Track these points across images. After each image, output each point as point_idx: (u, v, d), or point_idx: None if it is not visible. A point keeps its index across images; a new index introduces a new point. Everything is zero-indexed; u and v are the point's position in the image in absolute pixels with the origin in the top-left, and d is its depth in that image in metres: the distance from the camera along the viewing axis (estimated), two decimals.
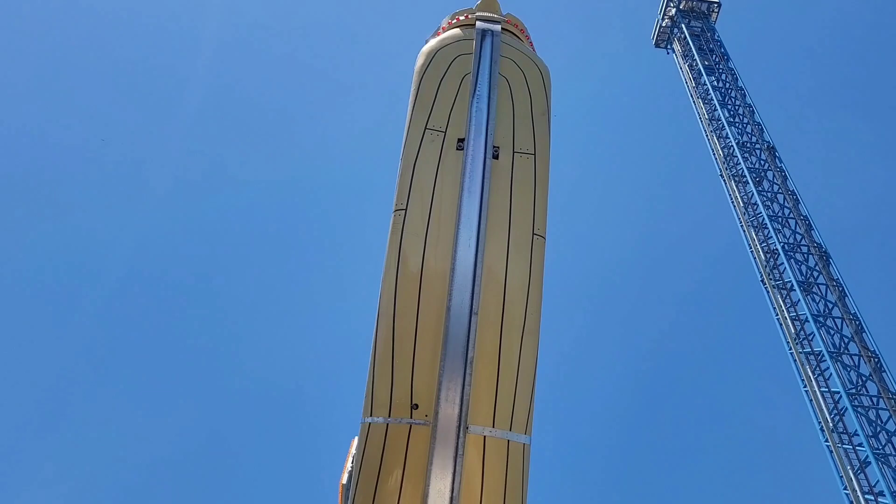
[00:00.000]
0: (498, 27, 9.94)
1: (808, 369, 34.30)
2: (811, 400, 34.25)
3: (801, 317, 34.27)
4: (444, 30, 10.28)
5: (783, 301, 35.10)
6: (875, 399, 33.63)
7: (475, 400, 8.15)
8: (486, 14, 10.12)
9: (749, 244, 38.12)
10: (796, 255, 35.88)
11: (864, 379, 33.63)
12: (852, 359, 33.99)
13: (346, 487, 11.20)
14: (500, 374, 8.73)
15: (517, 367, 8.77)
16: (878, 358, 33.90)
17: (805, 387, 34.39)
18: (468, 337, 8.62)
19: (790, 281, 34.92)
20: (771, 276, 36.23)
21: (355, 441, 8.76)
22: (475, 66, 9.65)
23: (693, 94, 46.97)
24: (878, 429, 33.49)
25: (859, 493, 34.67)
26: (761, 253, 37.13)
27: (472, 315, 8.66)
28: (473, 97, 9.48)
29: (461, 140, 9.46)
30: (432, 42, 10.20)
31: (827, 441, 34.26)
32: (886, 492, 33.29)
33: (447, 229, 9.20)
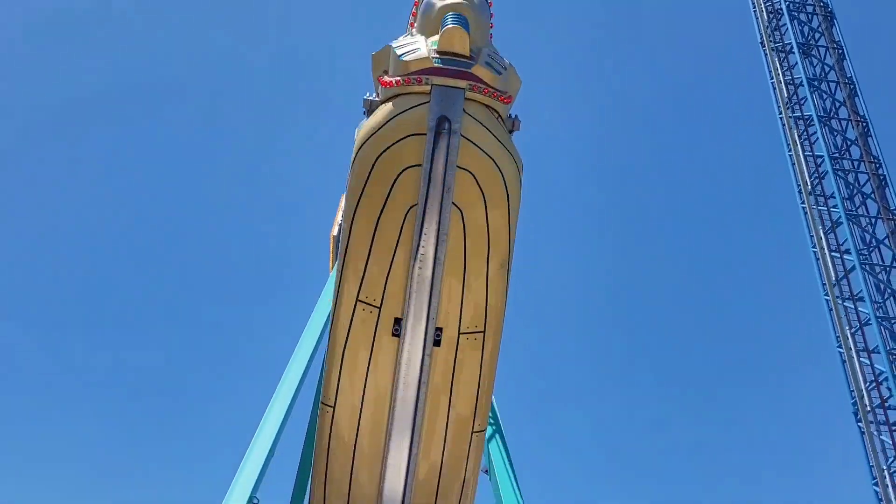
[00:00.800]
0: (459, 112, 7.20)
1: (796, 133, 34.57)
2: (793, 164, 34.93)
3: (797, 80, 33.92)
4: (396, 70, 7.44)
5: (780, 64, 34.52)
6: (856, 163, 34.34)
7: None
8: (444, 82, 7.22)
9: (753, 2, 36.69)
10: (800, 14, 34.67)
11: (848, 143, 34.07)
12: (840, 123, 34.20)
13: (336, 238, 11.75)
14: None
15: None
16: (867, 122, 34.07)
17: (790, 151, 34.90)
18: None
19: (790, 42, 34.08)
20: (771, 38, 35.26)
21: (343, 198, 8.93)
22: (422, 201, 7.27)
23: None
24: (855, 191, 34.51)
25: (827, 252, 36.64)
26: (764, 12, 35.81)
27: None
28: (415, 261, 7.40)
29: (398, 321, 7.80)
30: (372, 125, 7.40)
31: (803, 203, 35.45)
32: (853, 250, 35.11)
33: (376, 442, 8.21)
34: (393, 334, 7.81)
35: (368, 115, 7.54)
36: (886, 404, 35.99)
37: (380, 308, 7.81)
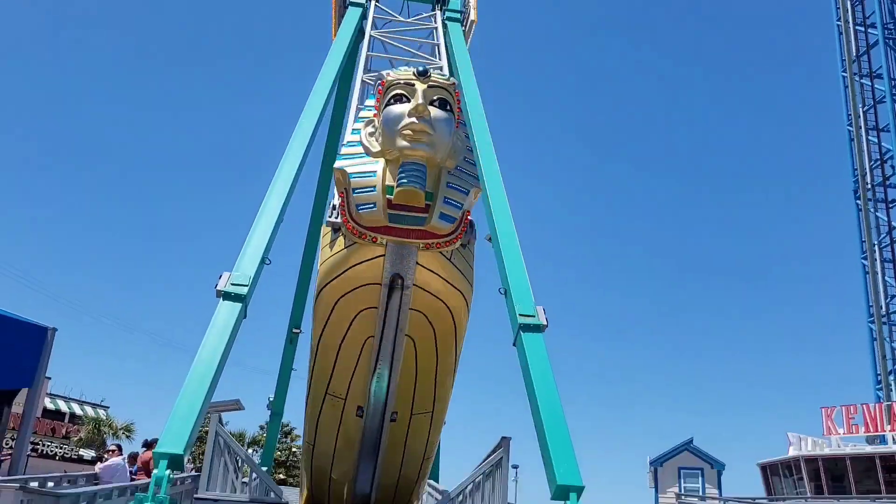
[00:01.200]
0: (412, 269, 8.05)
1: None
2: None
3: None
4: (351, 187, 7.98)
5: None
6: None
7: None
8: (398, 242, 7.97)
9: None
10: None
11: None
12: None
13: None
14: None
15: None
16: None
17: None
18: None
19: None
20: None
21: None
22: (378, 335, 8.62)
23: None
24: None
25: (851, 25, 35.17)
26: None
27: None
28: (374, 376, 8.91)
29: (360, 407, 9.55)
30: (331, 269, 8.35)
31: None
32: (879, 24, 33.76)
33: (348, 461, 10.31)
34: (357, 415, 9.58)
35: (333, 233, 8.27)
36: (888, 182, 37.19)
37: (344, 399, 9.57)
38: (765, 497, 24.27)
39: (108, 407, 48.95)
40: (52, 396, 47.01)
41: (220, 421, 9.53)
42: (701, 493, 23.46)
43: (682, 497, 22.02)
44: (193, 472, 10.45)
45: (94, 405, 48.69)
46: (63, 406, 47.95)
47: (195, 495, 9.36)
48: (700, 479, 24.36)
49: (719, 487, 24.14)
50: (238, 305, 8.52)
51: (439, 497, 10.97)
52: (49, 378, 44.06)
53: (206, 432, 9.76)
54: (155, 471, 6.96)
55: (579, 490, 7.65)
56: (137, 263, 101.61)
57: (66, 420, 46.48)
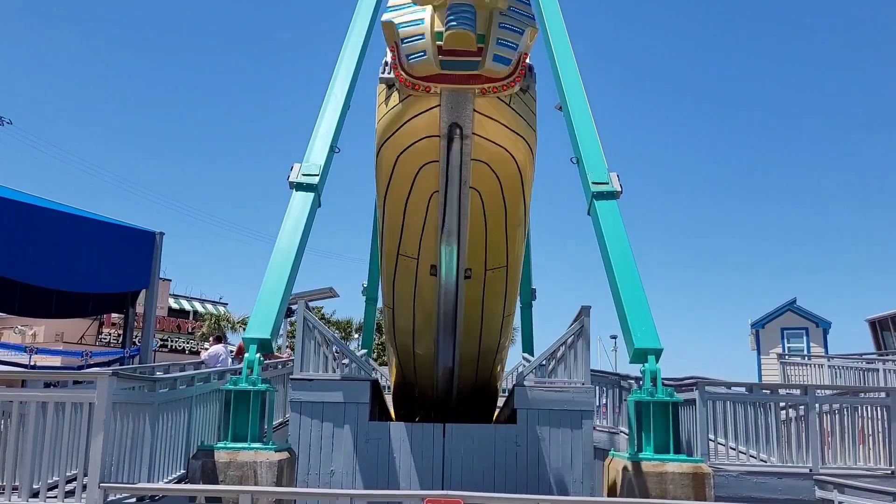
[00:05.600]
0: (469, 117, 7.45)
1: None
2: None
3: None
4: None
5: None
6: None
7: None
8: (452, 89, 7.39)
9: None
10: None
11: None
12: None
13: None
14: None
15: None
16: None
17: None
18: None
19: None
20: None
21: None
22: (442, 190, 8.05)
23: None
24: None
25: None
26: None
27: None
28: (443, 232, 8.18)
29: (434, 266, 9.15)
30: (388, 125, 7.93)
31: None
32: None
33: (429, 334, 10.15)
34: (431, 274, 9.32)
35: (388, 89, 7.89)
36: None
37: (417, 259, 9.44)
38: (874, 352, 23.56)
39: (226, 303, 52.24)
40: (176, 297, 50.54)
41: (308, 307, 9.96)
42: (806, 352, 23.01)
43: (786, 356, 21.68)
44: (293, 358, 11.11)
45: (213, 302, 52.04)
46: (186, 305, 51.52)
47: (291, 376, 9.98)
48: (805, 338, 23.83)
49: (825, 346, 23.57)
50: (311, 195, 8.74)
51: (525, 364, 11.24)
52: (170, 280, 47.40)
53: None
54: (246, 355, 7.44)
55: (658, 352, 7.68)
56: (234, 167, 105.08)
57: (190, 317, 50.03)
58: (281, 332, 25.31)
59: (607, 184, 8.94)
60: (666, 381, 7.83)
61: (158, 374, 9.77)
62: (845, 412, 9.40)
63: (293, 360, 10.61)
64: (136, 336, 19.12)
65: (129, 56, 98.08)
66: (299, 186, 8.78)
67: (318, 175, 8.84)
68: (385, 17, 7.58)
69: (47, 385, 7.05)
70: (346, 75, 9.84)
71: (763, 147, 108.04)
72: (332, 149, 9.22)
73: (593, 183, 8.97)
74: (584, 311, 9.85)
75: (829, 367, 19.26)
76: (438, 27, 7.31)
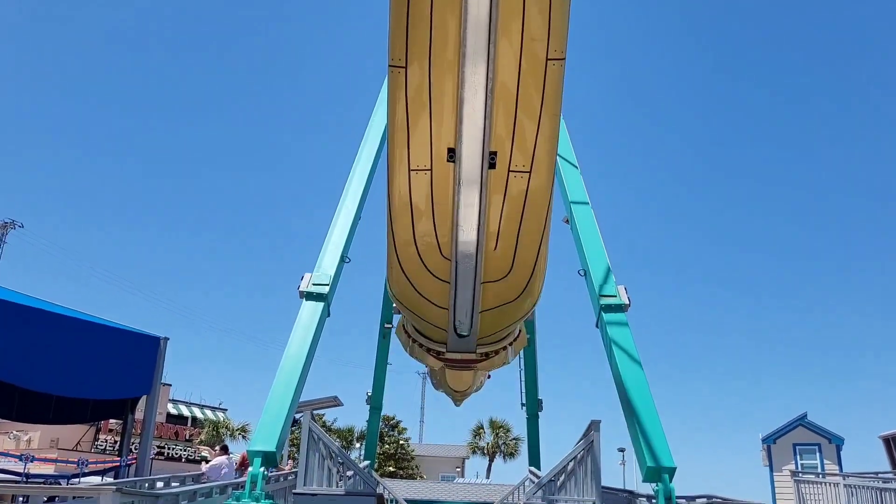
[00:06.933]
0: None
1: None
2: None
3: None
4: None
5: None
6: None
7: None
8: None
9: None
10: None
11: None
12: None
13: None
14: None
15: None
16: None
17: None
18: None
19: None
20: None
21: None
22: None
23: None
24: None
25: None
26: None
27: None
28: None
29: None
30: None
31: None
32: None
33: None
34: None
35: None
36: None
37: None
38: (889, 470, 22.92)
39: (226, 409, 51.41)
40: (175, 402, 49.74)
41: (313, 417, 9.82)
42: (820, 469, 22.40)
43: (799, 475, 21.07)
44: (295, 470, 10.83)
45: (213, 408, 51.21)
46: (185, 410, 50.64)
47: (294, 490, 9.71)
48: (818, 454, 23.25)
49: (839, 463, 22.97)
50: (321, 304, 8.80)
51: (532, 480, 10.90)
52: (170, 385, 46.79)
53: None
54: (250, 468, 7.29)
55: (671, 471, 7.49)
56: (240, 272, 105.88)
57: (189, 424, 49.10)
58: None
59: (615, 297, 9.02)
60: (678, 499, 7.62)
61: (159, 485, 9.52)
62: None
63: (295, 471, 10.33)
64: (134, 443, 18.71)
65: (133, 166, 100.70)
66: (309, 296, 8.87)
67: (328, 285, 8.95)
68: None
69: (49, 500, 6.88)
70: (359, 186, 10.13)
71: (774, 254, 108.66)
72: (343, 259, 9.36)
73: (601, 296, 9.05)
74: (594, 426, 9.67)
75: (844, 485, 18.71)
76: None
